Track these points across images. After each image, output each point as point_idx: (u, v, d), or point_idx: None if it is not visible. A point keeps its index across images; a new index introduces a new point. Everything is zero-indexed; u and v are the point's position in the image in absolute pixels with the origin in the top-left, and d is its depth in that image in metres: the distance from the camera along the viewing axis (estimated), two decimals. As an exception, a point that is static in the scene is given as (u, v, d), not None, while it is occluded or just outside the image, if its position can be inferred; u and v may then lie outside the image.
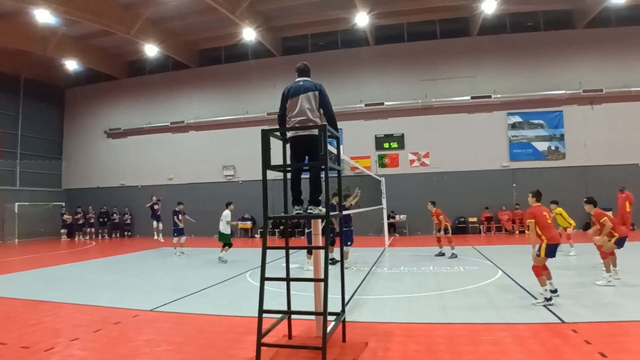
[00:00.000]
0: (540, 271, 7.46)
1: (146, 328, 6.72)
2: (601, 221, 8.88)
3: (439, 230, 13.97)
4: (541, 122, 22.19)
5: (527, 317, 6.66)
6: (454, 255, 13.44)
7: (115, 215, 26.15)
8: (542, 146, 22.12)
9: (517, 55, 22.46)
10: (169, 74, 26.49)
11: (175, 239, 16.46)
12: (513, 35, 22.66)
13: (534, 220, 7.62)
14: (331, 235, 11.37)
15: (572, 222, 13.72)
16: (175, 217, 16.34)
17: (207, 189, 24.79)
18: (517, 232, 21.02)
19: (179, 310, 7.69)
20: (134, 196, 25.82)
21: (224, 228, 14.61)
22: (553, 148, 22.06)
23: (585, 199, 9.58)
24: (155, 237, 19.00)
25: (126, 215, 26.15)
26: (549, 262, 7.61)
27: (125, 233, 26.19)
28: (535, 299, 7.53)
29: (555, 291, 7.53)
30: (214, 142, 25.30)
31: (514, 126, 22.39)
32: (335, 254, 12.32)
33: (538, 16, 22.67)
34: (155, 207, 18.88)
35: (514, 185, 21.79)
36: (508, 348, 5.35)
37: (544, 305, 7.15)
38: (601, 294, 8.08)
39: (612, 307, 7.08)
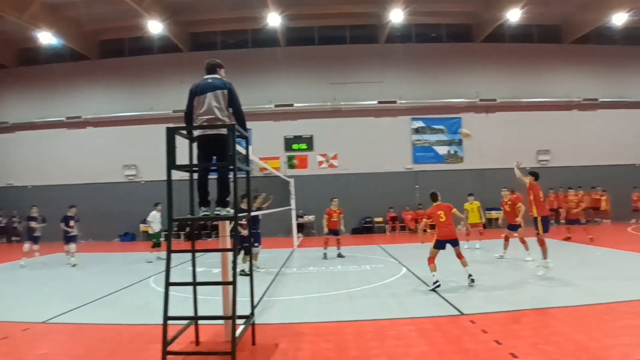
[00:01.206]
0: (432, 260, 8.70)
1: (39, 342, 6.12)
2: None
3: (335, 232, 14.08)
4: (442, 127, 23.52)
5: (430, 310, 7.04)
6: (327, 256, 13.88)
7: (0, 218, 23.80)
8: (442, 150, 23.45)
9: (421, 63, 23.61)
10: (67, 64, 24.49)
11: (67, 247, 14.52)
12: (418, 45, 23.85)
13: (427, 221, 9.43)
14: (240, 244, 11.05)
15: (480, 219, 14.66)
16: (64, 223, 14.46)
17: (106, 189, 23.29)
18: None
19: (77, 321, 7.13)
20: (23, 197, 23.65)
21: (152, 229, 14.60)
22: (452, 152, 23.46)
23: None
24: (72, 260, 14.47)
25: (14, 219, 23.90)
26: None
27: (13, 238, 23.90)
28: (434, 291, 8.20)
29: (437, 282, 8.50)
30: (115, 139, 23.78)
31: (417, 131, 23.50)
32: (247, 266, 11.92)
33: (441, 29, 24.11)
34: (71, 223, 14.73)
35: (417, 186, 22.87)
36: (412, 341, 5.60)
37: (434, 290, 8.31)
38: (495, 286, 8.72)
39: (505, 298, 7.68)
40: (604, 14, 20.92)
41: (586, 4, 21.65)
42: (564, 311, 6.71)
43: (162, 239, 15.01)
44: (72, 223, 14.67)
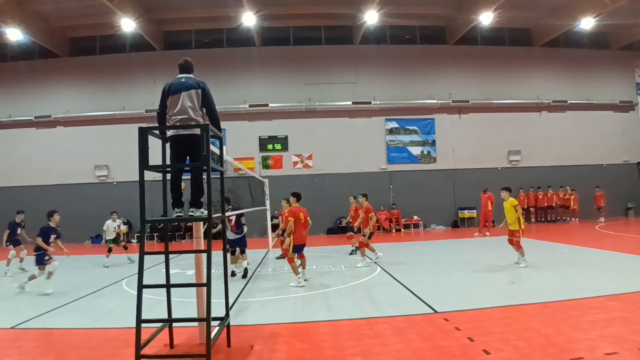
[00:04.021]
0: (292, 260, 9.41)
1: (7, 349, 5.91)
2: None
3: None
4: (415, 128, 23.76)
5: (404, 309, 7.11)
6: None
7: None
8: (416, 150, 23.69)
9: (395, 65, 23.82)
10: (35, 62, 23.81)
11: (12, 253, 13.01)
12: (392, 46, 24.04)
13: (292, 219, 9.27)
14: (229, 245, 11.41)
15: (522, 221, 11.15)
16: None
17: (77, 190, 22.71)
18: (394, 230, 22.24)
19: (46, 326, 6.93)
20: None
21: (109, 235, 14.53)
22: (425, 152, 23.73)
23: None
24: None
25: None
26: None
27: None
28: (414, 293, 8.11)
29: (306, 279, 9.52)
30: (86, 139, 23.21)
31: (391, 131, 23.69)
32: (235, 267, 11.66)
33: (415, 30, 24.35)
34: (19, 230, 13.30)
35: (391, 186, 23.07)
36: (388, 339, 5.66)
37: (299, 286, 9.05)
38: (467, 284, 8.92)
39: (477, 296, 7.83)
40: (573, 19, 21.46)
41: (555, 9, 22.18)
42: (534, 307, 6.87)
43: (122, 243, 15.09)
44: (19, 231, 13.17)
